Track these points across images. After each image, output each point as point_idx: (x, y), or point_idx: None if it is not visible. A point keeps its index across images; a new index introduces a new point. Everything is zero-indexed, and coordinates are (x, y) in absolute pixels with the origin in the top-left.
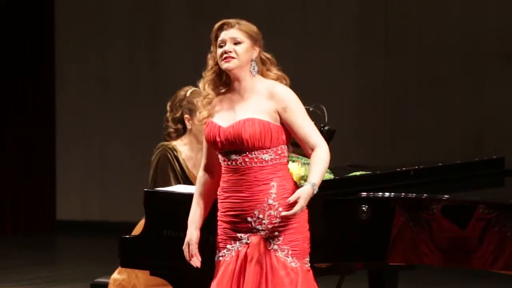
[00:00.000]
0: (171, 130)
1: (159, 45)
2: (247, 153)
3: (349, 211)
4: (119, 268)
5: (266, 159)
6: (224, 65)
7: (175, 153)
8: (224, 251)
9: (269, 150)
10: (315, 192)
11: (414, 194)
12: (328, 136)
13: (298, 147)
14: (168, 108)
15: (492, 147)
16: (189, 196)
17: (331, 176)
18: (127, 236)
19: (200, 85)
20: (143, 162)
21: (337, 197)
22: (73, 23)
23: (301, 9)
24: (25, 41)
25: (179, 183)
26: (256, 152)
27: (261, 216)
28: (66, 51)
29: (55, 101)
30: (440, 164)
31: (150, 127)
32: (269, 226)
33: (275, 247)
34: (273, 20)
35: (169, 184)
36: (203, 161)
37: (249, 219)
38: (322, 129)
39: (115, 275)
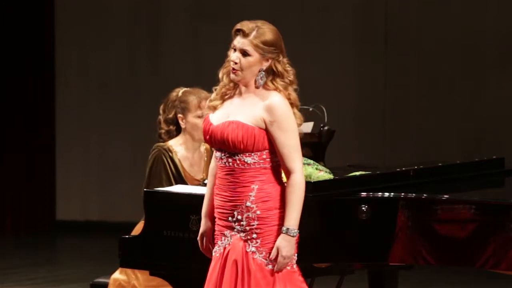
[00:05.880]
0: (163, 131)
1: (159, 45)
2: (231, 154)
3: (349, 211)
4: (119, 268)
5: (249, 162)
6: (231, 76)
7: (170, 154)
8: (216, 247)
9: (252, 154)
10: (293, 235)
11: (414, 194)
12: (328, 136)
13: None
14: (161, 111)
15: (492, 147)
16: (189, 196)
17: (331, 176)
18: (127, 236)
19: (220, 74)
20: (143, 162)
21: (337, 197)
22: (73, 23)
23: (301, 9)
24: (25, 41)
25: (172, 185)
26: (239, 155)
27: (239, 217)
28: (66, 51)
29: (55, 101)
30: (440, 164)
31: (150, 128)
32: (247, 228)
33: (253, 249)
34: (273, 20)
35: (161, 187)
36: (215, 152)
37: (230, 218)
38: (322, 129)
39: (115, 275)
